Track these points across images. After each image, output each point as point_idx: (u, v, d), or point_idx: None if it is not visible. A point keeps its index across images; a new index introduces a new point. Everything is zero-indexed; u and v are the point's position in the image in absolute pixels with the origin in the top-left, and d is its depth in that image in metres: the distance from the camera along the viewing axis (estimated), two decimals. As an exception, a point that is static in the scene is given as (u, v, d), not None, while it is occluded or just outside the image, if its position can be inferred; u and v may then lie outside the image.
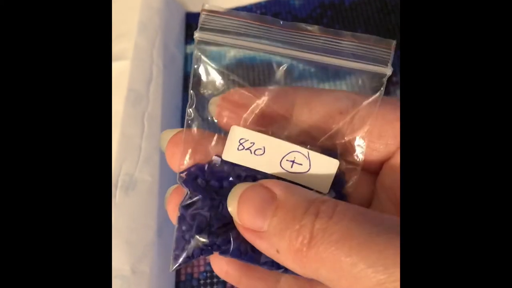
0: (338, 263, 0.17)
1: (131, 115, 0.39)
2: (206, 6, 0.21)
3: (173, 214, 0.22)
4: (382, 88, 0.21)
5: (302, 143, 0.22)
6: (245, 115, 0.22)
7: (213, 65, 0.22)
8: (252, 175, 0.22)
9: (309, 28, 0.21)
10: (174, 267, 0.21)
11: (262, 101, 0.22)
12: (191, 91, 0.22)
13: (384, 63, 0.21)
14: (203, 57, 0.22)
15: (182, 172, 0.22)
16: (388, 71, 0.21)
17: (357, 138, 0.22)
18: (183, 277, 0.37)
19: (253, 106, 0.22)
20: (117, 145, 0.37)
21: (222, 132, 0.23)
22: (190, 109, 0.22)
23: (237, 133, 0.22)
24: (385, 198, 0.23)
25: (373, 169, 0.23)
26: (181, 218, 0.22)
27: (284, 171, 0.22)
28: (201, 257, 0.21)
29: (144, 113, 0.40)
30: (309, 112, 0.22)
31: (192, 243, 0.21)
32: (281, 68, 0.22)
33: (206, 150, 0.22)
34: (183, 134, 0.22)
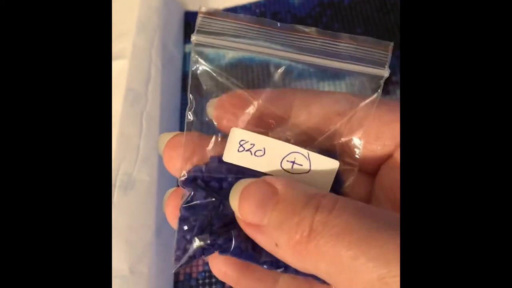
0: (338, 257, 0.17)
1: (129, 115, 0.39)
2: (203, 9, 0.21)
3: (171, 216, 0.23)
4: (379, 90, 0.21)
5: (301, 144, 0.22)
6: (243, 117, 0.22)
7: (210, 67, 0.22)
8: (252, 175, 0.22)
9: (306, 30, 0.21)
10: (176, 268, 0.21)
11: (260, 103, 0.22)
12: (190, 94, 0.22)
13: (381, 65, 0.21)
14: (200, 60, 0.22)
15: (181, 175, 0.22)
16: (385, 73, 0.21)
17: (354, 138, 0.22)
18: (181, 277, 0.37)
19: (252, 108, 0.22)
20: (116, 145, 0.38)
21: (221, 134, 0.23)
22: (189, 112, 0.22)
23: (237, 134, 0.22)
24: (383, 198, 0.23)
25: (370, 170, 0.23)
26: (182, 219, 0.22)
27: (284, 171, 0.22)
28: (202, 257, 0.21)
29: (142, 112, 0.40)
30: (308, 113, 0.22)
31: (194, 243, 0.21)
32: (278, 70, 0.22)
33: (206, 153, 0.22)
34: (183, 138, 0.22)
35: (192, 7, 0.50)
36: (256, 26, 0.21)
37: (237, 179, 0.21)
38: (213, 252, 0.21)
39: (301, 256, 0.18)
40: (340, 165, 0.22)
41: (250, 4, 0.49)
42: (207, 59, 0.22)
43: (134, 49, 0.42)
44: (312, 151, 0.22)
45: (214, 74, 0.22)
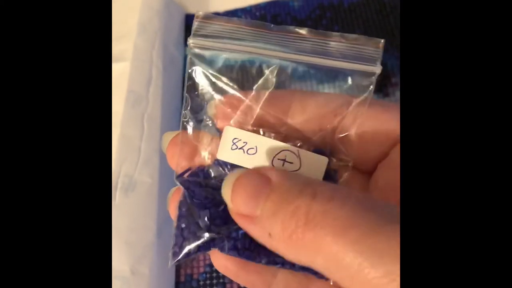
0: (340, 253, 0.16)
1: (130, 117, 0.39)
2: (200, 14, 0.21)
3: (175, 214, 0.23)
4: (371, 86, 0.21)
5: (296, 143, 0.22)
6: (242, 117, 0.23)
7: (207, 69, 0.22)
8: None
9: (299, 30, 0.21)
10: (173, 263, 0.22)
11: (260, 104, 0.22)
12: (186, 94, 0.23)
13: (373, 61, 0.21)
14: (197, 62, 0.22)
15: (179, 173, 0.23)
16: (377, 69, 0.21)
17: (348, 135, 0.22)
18: (182, 278, 0.37)
19: (251, 108, 0.22)
20: (117, 147, 0.38)
21: (218, 133, 0.23)
22: (185, 111, 0.23)
23: (230, 133, 0.22)
24: (379, 197, 0.23)
25: (366, 170, 0.24)
26: (180, 216, 0.22)
27: None
28: (199, 253, 0.22)
29: (143, 114, 0.40)
30: (303, 113, 0.23)
31: (191, 240, 0.21)
32: (273, 71, 0.22)
33: (202, 151, 0.23)
34: (181, 136, 0.23)
35: (193, 10, 0.50)
36: (250, 28, 0.21)
37: None
38: (209, 249, 0.21)
39: (296, 247, 0.17)
40: (334, 162, 0.22)
41: (250, 7, 0.49)
42: (203, 61, 0.22)
43: (135, 51, 0.42)
44: (304, 149, 0.22)
45: (210, 76, 0.22)
